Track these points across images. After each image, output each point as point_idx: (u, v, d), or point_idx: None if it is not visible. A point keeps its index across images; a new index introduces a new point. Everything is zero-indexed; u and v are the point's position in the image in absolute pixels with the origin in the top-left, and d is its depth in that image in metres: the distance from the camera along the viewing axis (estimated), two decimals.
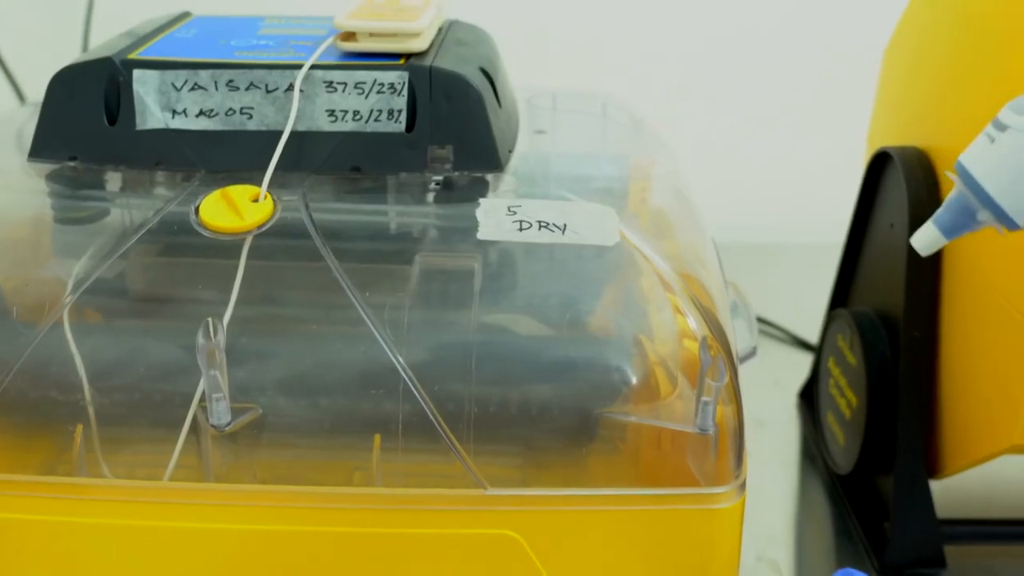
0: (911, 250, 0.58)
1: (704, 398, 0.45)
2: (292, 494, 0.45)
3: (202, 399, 0.45)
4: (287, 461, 0.48)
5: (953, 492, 0.62)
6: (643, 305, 0.50)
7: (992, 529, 0.63)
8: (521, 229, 0.48)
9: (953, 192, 0.41)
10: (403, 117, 0.51)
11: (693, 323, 0.47)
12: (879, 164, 0.63)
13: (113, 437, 0.47)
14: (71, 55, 0.96)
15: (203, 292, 0.48)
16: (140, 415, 0.47)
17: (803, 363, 0.77)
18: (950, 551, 0.58)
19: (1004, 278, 0.52)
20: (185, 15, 0.61)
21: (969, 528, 0.62)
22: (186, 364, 0.46)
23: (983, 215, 0.41)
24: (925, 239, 0.42)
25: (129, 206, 0.52)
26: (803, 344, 0.84)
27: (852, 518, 0.63)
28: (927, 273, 0.58)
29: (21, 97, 0.94)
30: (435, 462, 0.46)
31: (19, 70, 0.95)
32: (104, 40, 0.58)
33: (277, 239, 0.48)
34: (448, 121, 0.51)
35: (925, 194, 0.58)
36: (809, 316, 0.78)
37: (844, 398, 0.64)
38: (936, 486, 0.59)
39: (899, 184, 0.59)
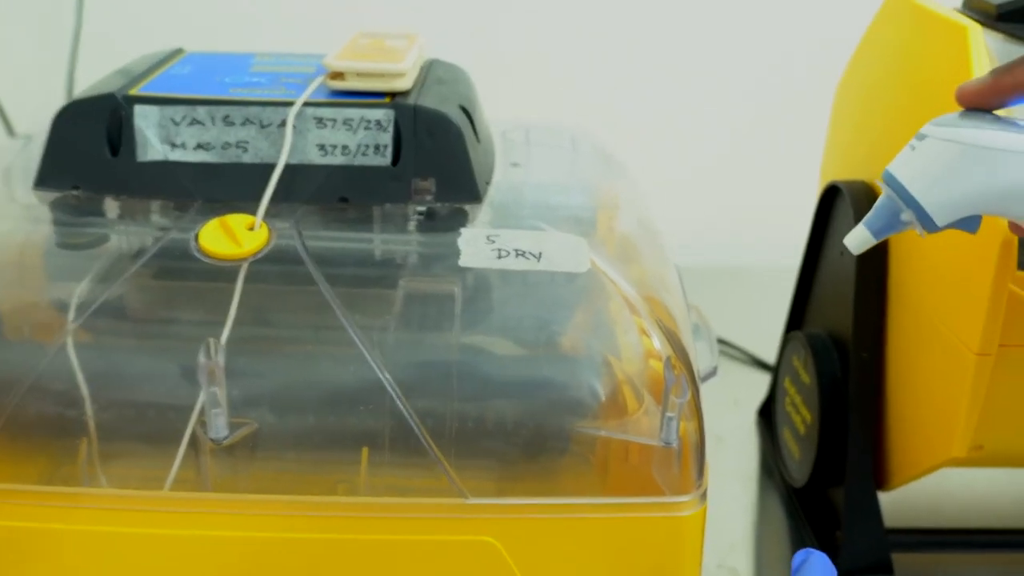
0: (859, 277, 0.62)
1: (668, 414, 0.48)
2: (283, 503, 0.48)
3: (201, 414, 0.48)
4: (279, 473, 0.50)
5: (900, 503, 0.66)
6: (611, 327, 0.54)
7: (936, 538, 0.66)
8: (500, 257, 0.51)
9: (881, 197, 0.45)
10: (389, 152, 0.54)
11: (658, 344, 0.51)
12: (830, 196, 0.67)
13: (116, 451, 0.50)
14: (56, 89, 0.99)
15: (203, 314, 0.51)
16: (142, 430, 0.50)
17: (761, 382, 0.80)
18: (897, 558, 0.61)
19: (942, 307, 0.56)
20: (178, 52, 0.64)
21: (915, 537, 0.65)
22: (186, 381, 0.49)
23: (906, 215, 0.44)
24: (857, 239, 0.46)
25: (131, 233, 0.54)
26: (761, 364, 0.87)
27: (807, 528, 0.66)
28: (873, 299, 0.61)
29: (10, 130, 0.96)
30: (419, 475, 0.49)
31: (5, 104, 0.97)
32: (95, 75, 0.61)
33: (272, 265, 0.51)
34: (431, 156, 0.54)
35: None
36: (766, 337, 0.81)
37: (799, 415, 0.68)
38: (884, 497, 0.62)
39: (848, 215, 0.63)
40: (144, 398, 0.50)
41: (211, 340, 0.47)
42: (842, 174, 0.68)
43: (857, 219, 0.62)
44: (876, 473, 0.62)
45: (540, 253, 0.52)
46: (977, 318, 0.51)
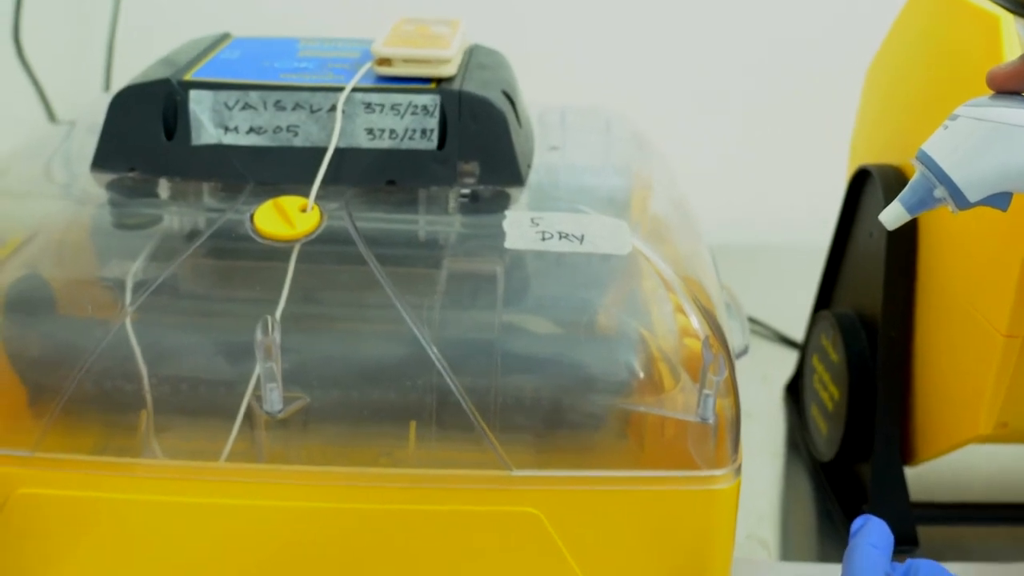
0: (889, 258, 0.63)
1: (706, 391, 0.50)
2: (333, 474, 0.50)
3: (256, 388, 0.50)
4: (330, 446, 0.52)
5: (925, 478, 0.67)
6: (649, 306, 0.55)
7: (961, 512, 0.67)
8: (544, 239, 0.53)
9: (915, 175, 0.48)
10: (435, 136, 0.56)
11: (696, 323, 0.52)
12: (860, 179, 0.68)
13: (173, 424, 0.52)
14: (95, 77, 1.01)
15: (257, 293, 0.53)
16: (198, 404, 0.52)
17: (787, 358, 0.82)
18: (923, 531, 0.63)
19: (971, 289, 0.57)
20: (226, 36, 0.65)
21: (940, 511, 0.67)
22: (241, 358, 0.51)
23: (939, 192, 0.47)
24: (892, 215, 0.48)
25: (186, 214, 0.56)
26: (787, 341, 0.88)
27: (833, 501, 0.68)
28: (903, 280, 0.63)
29: (52, 115, 0.98)
30: (464, 447, 0.51)
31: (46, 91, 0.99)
32: (132, 62, 0.62)
33: (324, 245, 0.53)
34: (475, 140, 0.56)
35: None
36: (792, 314, 0.83)
37: (827, 392, 0.69)
38: (909, 472, 0.64)
39: (878, 198, 0.64)
40: (200, 373, 0.52)
41: (268, 317, 0.49)
42: (871, 157, 0.69)
43: (887, 202, 0.63)
44: (902, 449, 0.64)
45: (583, 235, 0.53)
46: (1006, 301, 0.53)
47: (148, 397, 0.51)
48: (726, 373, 0.50)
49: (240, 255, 0.54)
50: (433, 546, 0.50)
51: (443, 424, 0.51)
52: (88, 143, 0.58)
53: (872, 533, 0.47)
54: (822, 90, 1.02)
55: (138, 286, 0.52)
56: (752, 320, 0.89)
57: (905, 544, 0.62)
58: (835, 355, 0.68)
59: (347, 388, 0.52)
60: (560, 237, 0.53)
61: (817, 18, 1.07)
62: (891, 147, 0.67)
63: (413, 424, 0.52)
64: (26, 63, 0.96)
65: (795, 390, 0.79)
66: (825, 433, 0.69)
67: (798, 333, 0.79)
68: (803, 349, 0.76)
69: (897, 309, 0.63)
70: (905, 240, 0.63)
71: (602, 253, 0.53)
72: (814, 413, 0.72)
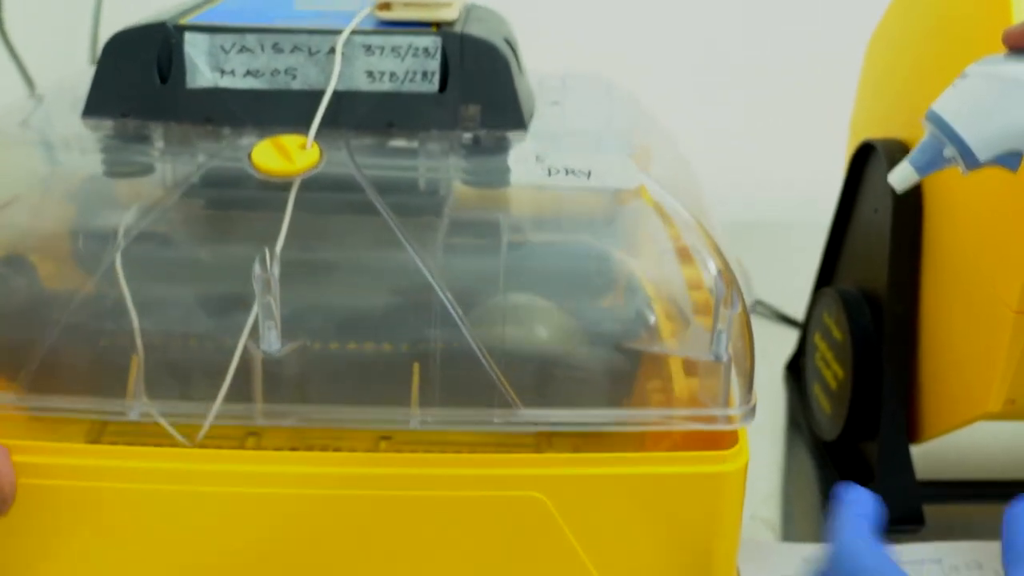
0: (895, 233, 0.62)
1: (719, 326, 0.49)
2: (334, 458, 0.49)
3: (253, 329, 0.47)
4: (329, 397, 0.50)
5: (931, 455, 0.67)
6: (659, 244, 0.54)
7: (967, 490, 0.67)
8: (550, 174, 0.52)
9: (925, 136, 0.47)
10: (436, 78, 0.55)
11: (708, 258, 0.51)
12: (864, 154, 0.67)
13: (166, 371, 0.50)
14: (80, 55, 0.99)
15: (256, 231, 0.51)
16: (193, 347, 0.51)
17: (787, 337, 0.81)
18: (929, 510, 0.62)
19: (981, 265, 0.56)
20: None
21: (946, 489, 0.66)
22: (237, 301, 0.49)
23: (949, 151, 0.46)
24: (900, 175, 0.48)
25: (181, 155, 0.55)
26: (786, 319, 0.88)
27: (837, 480, 0.67)
28: (908, 255, 0.62)
29: (31, 86, 0.96)
30: (470, 391, 0.49)
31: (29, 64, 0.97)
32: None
33: (325, 181, 0.51)
34: (477, 83, 0.55)
35: None
36: (791, 292, 0.82)
37: (830, 370, 0.69)
38: (915, 450, 0.63)
39: (883, 173, 0.63)
40: (193, 316, 0.51)
41: (266, 249, 0.47)
42: (873, 131, 0.68)
43: None
44: (908, 427, 0.63)
45: (589, 171, 0.52)
46: (1018, 276, 0.52)
47: (138, 340, 0.49)
48: (739, 308, 0.49)
49: (237, 196, 0.53)
50: (436, 532, 0.49)
51: (447, 365, 0.50)
52: (77, 102, 0.57)
53: (858, 503, 0.45)
54: (823, 62, 1.01)
55: (129, 228, 0.51)
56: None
57: (911, 523, 0.62)
58: (839, 333, 0.67)
59: (349, 328, 0.51)
60: (567, 172, 0.52)
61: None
62: (894, 120, 0.67)
63: (416, 367, 0.50)
64: (8, 42, 0.94)
65: (796, 369, 0.78)
66: (828, 412, 0.69)
67: (796, 311, 0.79)
68: (804, 327, 0.75)
69: (903, 285, 0.62)
70: (911, 215, 0.62)
71: (610, 188, 0.52)
72: (816, 392, 0.72)
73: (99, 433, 0.56)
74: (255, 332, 0.48)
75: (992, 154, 0.45)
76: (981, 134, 0.45)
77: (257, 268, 0.47)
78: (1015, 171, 0.46)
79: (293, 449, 0.54)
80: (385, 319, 0.51)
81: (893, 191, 0.62)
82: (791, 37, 1.08)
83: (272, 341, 0.48)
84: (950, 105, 0.46)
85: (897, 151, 0.63)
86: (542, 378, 0.51)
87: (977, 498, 0.67)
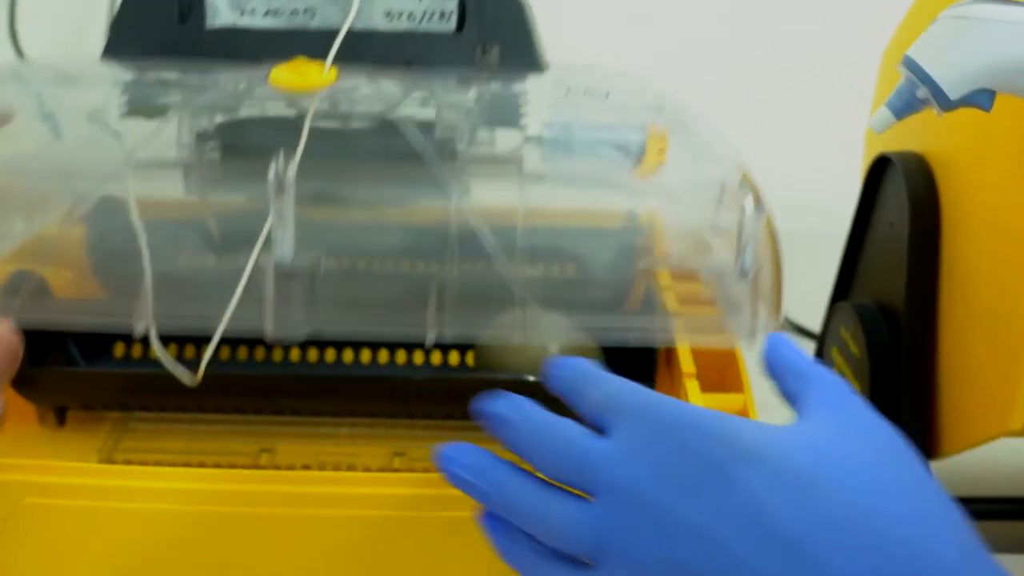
0: (912, 247, 0.62)
1: (744, 239, 0.49)
2: (344, 478, 0.48)
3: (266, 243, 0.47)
4: (343, 319, 0.49)
5: (948, 472, 0.66)
6: (686, 162, 0.54)
7: (984, 506, 0.66)
8: (567, 95, 0.53)
9: (900, 80, 0.48)
10: (454, 18, 0.55)
11: (732, 172, 0.51)
12: (880, 167, 0.67)
13: (176, 288, 0.49)
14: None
15: (274, 143, 0.49)
16: (204, 264, 0.51)
17: (804, 349, 0.80)
18: None
19: (1001, 282, 0.56)
20: None
21: (966, 506, 0.64)
22: (255, 210, 0.48)
23: (922, 92, 0.47)
24: (879, 119, 0.50)
25: (200, 86, 0.55)
26: (802, 331, 0.87)
27: None
28: (927, 270, 0.61)
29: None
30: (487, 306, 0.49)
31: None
32: None
33: (342, 98, 0.52)
34: (495, 23, 0.56)
35: (924, 196, 0.61)
36: (806, 303, 0.81)
37: None
38: (934, 466, 0.63)
39: (899, 186, 0.63)
40: (205, 234, 0.51)
41: (281, 151, 0.46)
42: (889, 144, 0.68)
43: (909, 191, 0.62)
44: (926, 443, 0.62)
45: (608, 92, 0.53)
46: None
47: (146, 258, 0.48)
48: (765, 219, 0.48)
49: (256, 107, 0.53)
50: (450, 551, 0.48)
51: (466, 276, 0.50)
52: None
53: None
54: (837, 73, 1.00)
55: (143, 148, 0.51)
56: None
57: None
58: (856, 348, 0.66)
59: (366, 242, 0.52)
60: (585, 93, 0.52)
61: (827, 4, 1.06)
62: (909, 131, 0.66)
63: (435, 283, 0.49)
64: (17, 45, 0.95)
65: None
66: None
67: (812, 322, 0.78)
68: (820, 340, 0.75)
69: (921, 299, 0.62)
70: (928, 228, 0.61)
71: (632, 105, 0.52)
72: None
73: (111, 452, 0.55)
74: (268, 247, 0.46)
75: (962, 92, 0.46)
76: (951, 74, 0.46)
77: (271, 173, 0.46)
78: (988, 111, 0.47)
79: (305, 468, 0.54)
80: (404, 237, 0.51)
81: (911, 204, 0.62)
82: (806, 48, 1.07)
83: (286, 252, 0.46)
84: (921, 48, 0.47)
85: (914, 164, 0.63)
86: (560, 293, 0.51)
87: (996, 516, 0.66)
